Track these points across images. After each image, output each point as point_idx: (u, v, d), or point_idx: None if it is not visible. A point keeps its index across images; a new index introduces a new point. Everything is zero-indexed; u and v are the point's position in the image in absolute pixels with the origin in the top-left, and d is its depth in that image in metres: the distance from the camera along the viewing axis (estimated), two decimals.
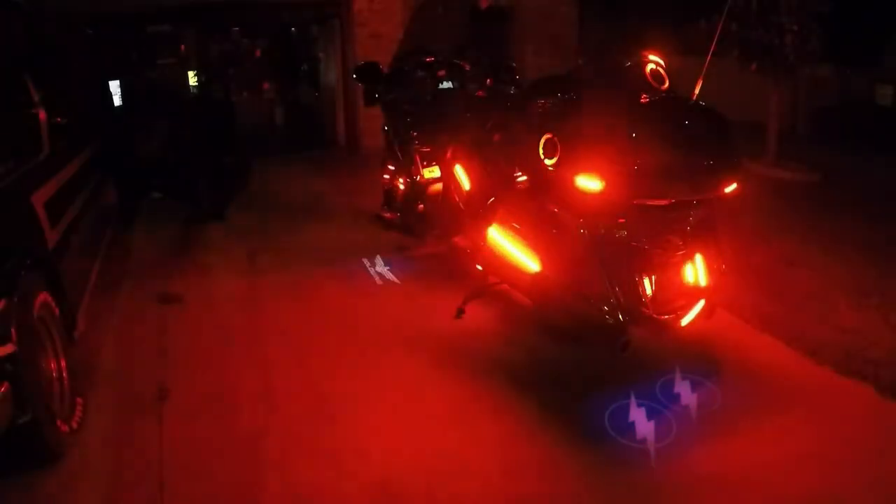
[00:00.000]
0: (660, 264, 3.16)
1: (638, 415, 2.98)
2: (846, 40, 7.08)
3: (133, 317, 4.37)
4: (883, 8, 6.82)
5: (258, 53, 13.93)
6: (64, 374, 3.08)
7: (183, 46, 11.66)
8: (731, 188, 3.12)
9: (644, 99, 3.27)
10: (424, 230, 5.18)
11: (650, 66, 3.35)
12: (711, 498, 2.59)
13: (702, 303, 3.29)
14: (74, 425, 2.99)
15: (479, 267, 4.16)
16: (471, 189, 4.35)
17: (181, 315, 4.36)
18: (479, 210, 4.23)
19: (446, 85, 5.04)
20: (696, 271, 3.26)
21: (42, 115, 3.73)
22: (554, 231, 3.41)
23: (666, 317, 3.20)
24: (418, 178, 5.00)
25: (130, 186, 6.73)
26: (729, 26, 7.11)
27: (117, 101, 7.94)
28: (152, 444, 2.99)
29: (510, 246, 3.72)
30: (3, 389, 2.40)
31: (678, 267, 3.23)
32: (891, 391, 3.20)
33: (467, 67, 5.14)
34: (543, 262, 3.47)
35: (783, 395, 3.23)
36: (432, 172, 4.92)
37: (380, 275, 4.93)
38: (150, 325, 4.20)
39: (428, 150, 4.88)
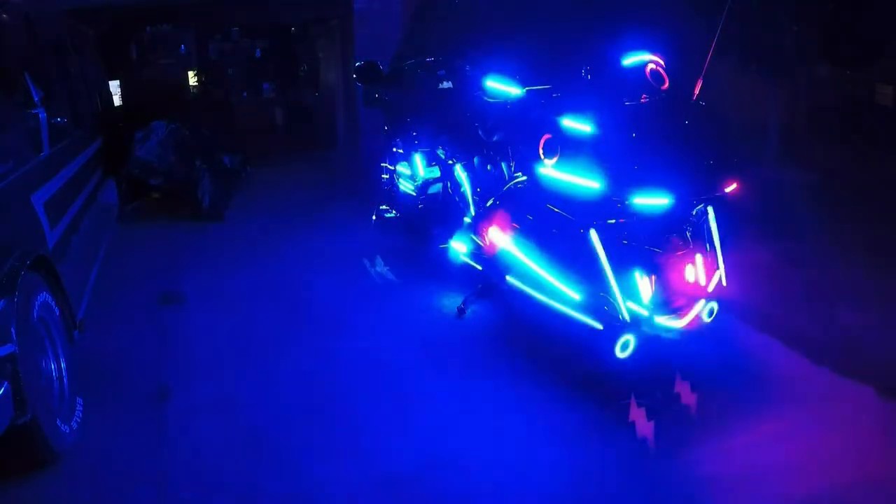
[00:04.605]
0: (660, 264, 3.17)
1: (638, 415, 2.99)
2: (846, 40, 7.07)
3: (133, 317, 4.37)
4: (882, 8, 6.81)
5: (258, 53, 13.92)
6: (64, 374, 3.08)
7: (183, 46, 11.67)
8: (730, 188, 3.13)
9: (644, 99, 3.27)
10: (424, 230, 5.18)
11: (650, 66, 3.36)
12: (710, 498, 2.59)
13: (702, 303, 3.29)
14: (74, 425, 2.99)
15: (480, 267, 4.17)
16: (471, 189, 4.35)
17: (181, 315, 4.36)
18: (479, 210, 4.23)
19: (446, 85, 5.03)
20: (696, 271, 3.27)
21: (42, 115, 3.73)
22: (554, 231, 3.41)
23: (666, 317, 3.20)
24: (418, 177, 5.00)
25: (130, 186, 6.74)
26: (729, 26, 7.10)
27: (117, 101, 7.95)
28: (152, 443, 2.99)
29: (510, 246, 3.72)
30: (2, 389, 2.40)
31: (678, 267, 3.23)
32: (891, 391, 3.19)
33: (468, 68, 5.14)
34: (544, 262, 3.47)
35: (783, 395, 3.22)
36: (432, 172, 4.92)
37: (380, 275, 4.94)
38: (151, 325, 4.20)
39: (428, 149, 4.88)
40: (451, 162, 4.56)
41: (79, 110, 5.24)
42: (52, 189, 3.82)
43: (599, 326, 3.18)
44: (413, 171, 5.03)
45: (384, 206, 5.68)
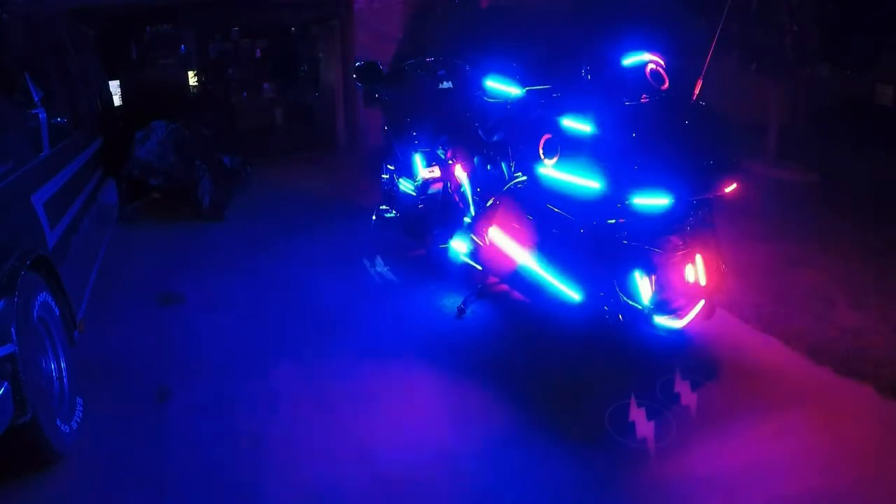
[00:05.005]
0: (660, 264, 3.17)
1: (638, 415, 2.99)
2: (846, 40, 7.08)
3: (133, 317, 4.37)
4: (882, 8, 6.82)
5: (258, 53, 13.91)
6: (64, 374, 3.08)
7: (183, 46, 11.66)
8: (730, 188, 3.13)
9: (644, 99, 3.28)
10: (424, 230, 5.18)
11: (650, 66, 3.36)
12: (711, 498, 2.59)
13: (702, 303, 3.29)
14: (74, 425, 2.99)
15: (480, 267, 4.17)
16: (471, 189, 4.36)
17: (181, 315, 4.36)
18: (479, 210, 4.24)
19: (446, 85, 5.04)
20: (696, 271, 3.27)
21: (42, 115, 3.73)
22: (554, 231, 3.42)
23: (666, 317, 3.20)
24: (418, 177, 5.00)
25: (130, 186, 6.74)
26: (729, 26, 7.10)
27: (117, 101, 7.96)
28: (153, 444, 2.99)
29: (510, 246, 3.72)
30: (2, 389, 2.40)
31: (678, 267, 3.24)
32: (891, 391, 3.20)
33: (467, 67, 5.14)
34: (544, 262, 3.47)
35: (783, 395, 3.22)
36: (432, 172, 4.92)
37: (380, 275, 4.94)
38: (151, 326, 4.20)
39: (428, 149, 4.88)
40: (450, 162, 4.55)
41: (79, 110, 5.24)
42: (52, 189, 3.82)
43: (599, 327, 3.19)
44: (413, 171, 5.04)
45: (384, 206, 5.69)
